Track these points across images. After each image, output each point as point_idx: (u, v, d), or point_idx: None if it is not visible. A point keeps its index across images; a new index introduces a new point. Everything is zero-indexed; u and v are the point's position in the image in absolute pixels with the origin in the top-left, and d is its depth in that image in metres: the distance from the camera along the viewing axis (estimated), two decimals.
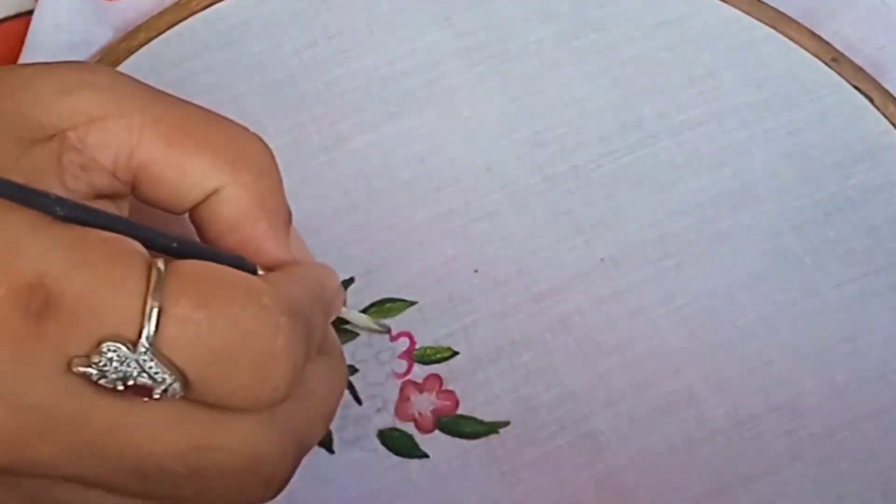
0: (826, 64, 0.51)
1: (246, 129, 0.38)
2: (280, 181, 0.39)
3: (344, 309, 0.45)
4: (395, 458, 0.46)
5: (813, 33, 0.52)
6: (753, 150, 0.50)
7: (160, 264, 0.32)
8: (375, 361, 0.47)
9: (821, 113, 0.51)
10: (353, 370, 0.46)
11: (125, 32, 0.51)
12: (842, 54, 0.51)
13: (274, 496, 0.36)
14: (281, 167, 0.48)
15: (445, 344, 0.47)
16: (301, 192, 0.49)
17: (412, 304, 0.47)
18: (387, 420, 0.46)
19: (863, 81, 0.51)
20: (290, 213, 0.39)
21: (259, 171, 0.38)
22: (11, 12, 0.53)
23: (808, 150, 0.50)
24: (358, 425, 0.46)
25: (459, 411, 0.46)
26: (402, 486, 0.45)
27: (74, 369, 0.31)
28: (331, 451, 0.45)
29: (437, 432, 0.46)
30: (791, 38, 0.51)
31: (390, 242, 0.48)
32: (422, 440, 0.46)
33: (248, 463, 0.34)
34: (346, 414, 0.46)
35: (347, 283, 0.47)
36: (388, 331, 0.47)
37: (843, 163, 0.50)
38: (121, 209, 0.37)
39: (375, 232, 0.48)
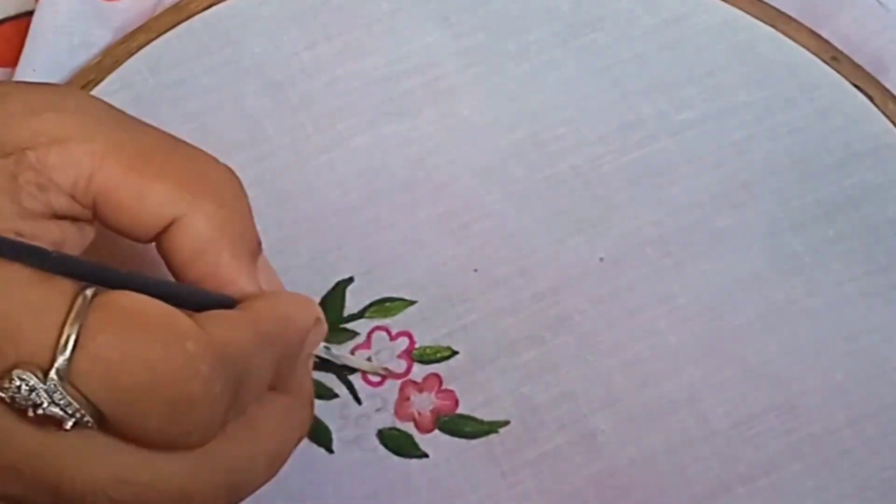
0: (826, 63, 0.51)
1: (212, 158, 0.38)
2: (247, 210, 0.39)
3: (339, 352, 0.45)
4: (395, 458, 0.46)
5: (813, 32, 0.51)
6: (753, 149, 0.50)
7: (89, 292, 0.32)
8: (375, 361, 0.47)
9: (821, 112, 0.51)
10: (351, 370, 0.46)
11: (125, 34, 0.51)
12: (842, 53, 0.51)
13: None
14: (281, 168, 0.49)
15: (445, 343, 0.47)
16: (300, 192, 0.49)
17: (412, 303, 0.47)
18: (386, 420, 0.46)
19: (863, 80, 0.51)
20: (258, 243, 0.39)
21: (222, 200, 0.37)
22: (11, 12, 0.53)
23: (808, 149, 0.50)
24: (357, 425, 0.46)
25: (459, 411, 0.46)
26: (402, 486, 0.45)
27: None
28: (330, 450, 0.46)
29: (436, 432, 0.46)
30: (791, 37, 0.51)
31: (390, 242, 0.48)
32: (421, 440, 0.46)
33: (173, 500, 0.34)
34: (346, 414, 0.46)
35: (347, 282, 0.47)
36: (384, 374, 0.47)
37: (843, 162, 0.50)
38: (84, 233, 0.37)
39: (375, 231, 0.48)
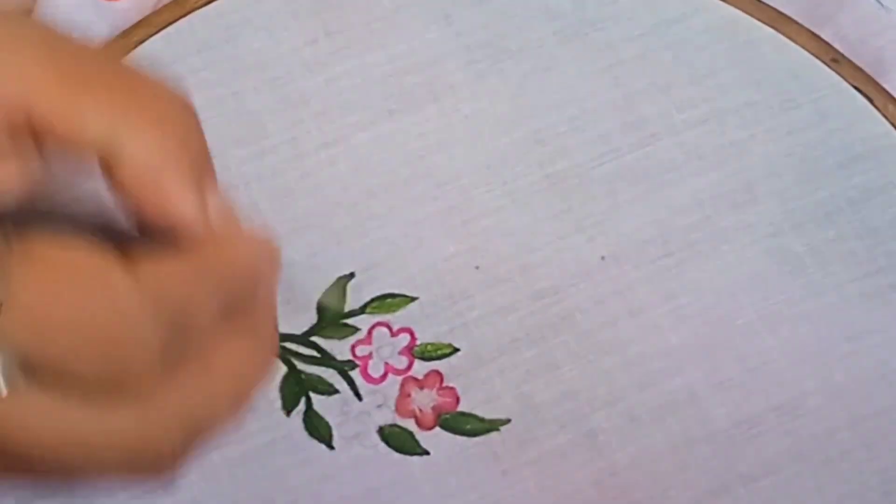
0: (826, 64, 0.51)
1: (160, 81, 0.35)
2: (196, 131, 0.36)
3: None
4: (396, 455, 0.46)
5: (813, 33, 0.52)
6: (754, 149, 0.50)
7: (9, 238, 0.31)
8: (376, 357, 0.46)
9: (821, 113, 0.51)
10: (353, 366, 0.46)
11: (124, 30, 0.51)
12: (842, 55, 0.51)
13: (169, 478, 0.34)
14: (281, 163, 0.49)
15: (446, 340, 0.47)
16: (301, 188, 0.49)
17: (413, 299, 0.47)
18: (387, 417, 0.46)
19: (863, 82, 0.51)
20: (211, 171, 0.36)
21: (162, 121, 0.34)
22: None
23: (809, 151, 0.50)
24: (358, 422, 0.46)
25: (460, 408, 0.46)
26: (403, 484, 0.45)
27: None
28: (331, 447, 0.45)
29: (437, 429, 0.46)
30: (791, 39, 0.51)
31: (391, 238, 0.48)
32: (422, 437, 0.46)
33: (125, 454, 0.33)
34: (347, 410, 0.46)
35: (348, 278, 0.47)
36: None
37: (844, 163, 0.50)
38: (27, 166, 0.34)
39: (376, 228, 0.48)
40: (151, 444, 0.33)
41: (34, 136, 0.33)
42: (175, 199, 0.34)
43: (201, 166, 0.36)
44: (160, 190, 0.34)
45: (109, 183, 0.34)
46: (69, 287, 0.31)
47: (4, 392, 0.31)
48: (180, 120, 0.35)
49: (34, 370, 0.31)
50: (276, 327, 0.40)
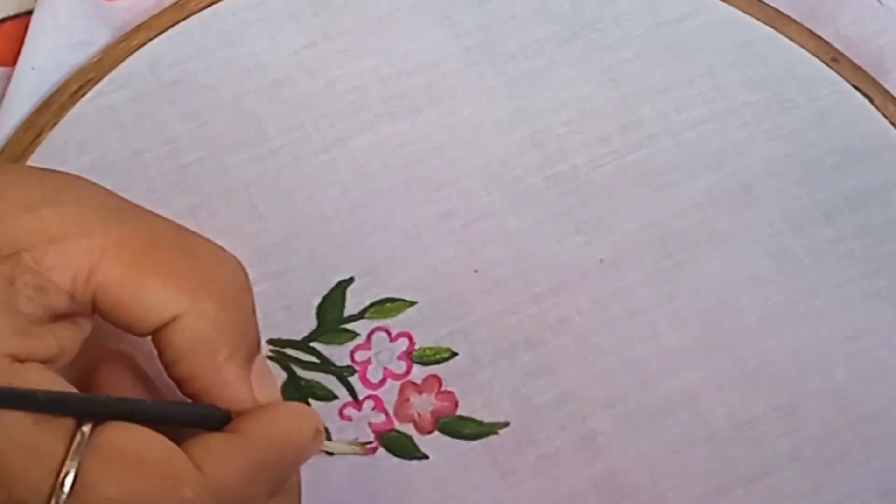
0: (826, 64, 0.51)
1: (218, 250, 0.37)
2: (250, 308, 0.38)
3: (336, 446, 0.45)
4: (395, 460, 0.46)
5: (813, 33, 0.51)
6: (753, 149, 0.50)
7: (86, 429, 0.32)
8: (374, 362, 0.47)
9: (820, 113, 0.51)
10: (352, 371, 0.46)
11: (124, 33, 0.51)
12: (842, 54, 0.51)
13: None
14: (281, 167, 0.49)
15: (445, 344, 0.47)
16: (300, 191, 0.49)
17: (412, 304, 0.47)
18: (386, 421, 0.46)
19: (863, 81, 0.51)
20: (257, 342, 0.38)
21: (224, 300, 0.36)
22: (11, 12, 0.53)
23: (808, 151, 0.50)
24: (357, 427, 0.46)
25: (459, 412, 0.46)
26: (402, 488, 0.45)
27: None
28: (329, 453, 0.45)
29: (436, 433, 0.46)
30: (791, 38, 0.51)
31: (390, 242, 0.48)
32: (421, 441, 0.46)
33: None
34: (345, 415, 0.46)
35: (347, 282, 0.47)
36: (367, 449, 0.46)
37: (843, 163, 0.50)
38: (81, 328, 0.37)
39: (375, 232, 0.48)
40: None
41: (95, 301, 0.35)
42: (224, 371, 0.36)
43: (251, 340, 0.37)
44: (212, 361, 0.36)
45: (162, 355, 0.36)
46: (141, 483, 0.32)
47: None
48: (234, 289, 0.37)
49: None
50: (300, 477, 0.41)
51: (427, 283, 0.48)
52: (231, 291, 0.37)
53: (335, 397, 0.46)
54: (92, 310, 0.36)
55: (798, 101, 0.51)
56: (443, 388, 0.46)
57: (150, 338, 0.37)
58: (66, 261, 0.34)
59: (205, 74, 0.51)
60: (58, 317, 0.35)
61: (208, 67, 0.51)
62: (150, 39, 0.51)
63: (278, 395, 0.39)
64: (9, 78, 0.51)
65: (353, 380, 0.46)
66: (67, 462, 0.31)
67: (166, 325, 0.36)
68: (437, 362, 0.47)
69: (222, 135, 0.50)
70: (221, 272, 0.37)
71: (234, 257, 0.37)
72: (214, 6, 0.51)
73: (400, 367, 0.46)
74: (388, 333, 0.47)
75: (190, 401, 0.37)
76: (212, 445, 0.35)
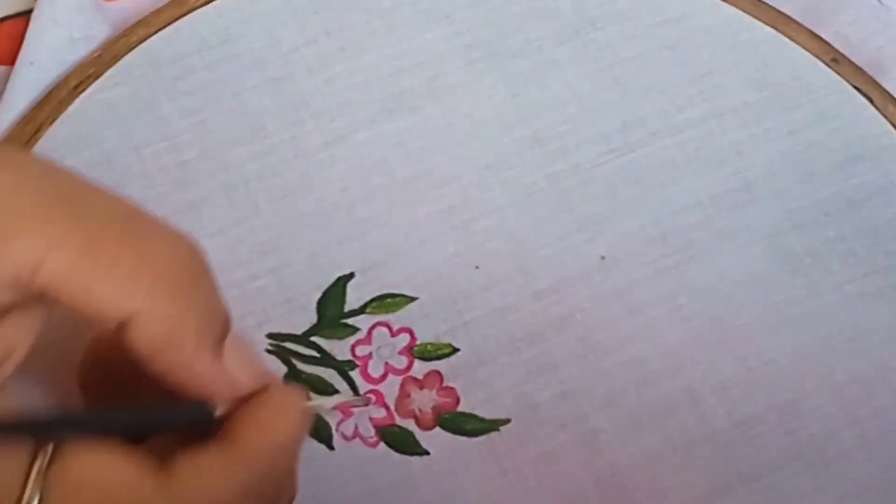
0: (826, 64, 0.51)
1: (169, 236, 0.34)
2: (210, 290, 0.35)
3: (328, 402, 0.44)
4: (396, 455, 0.45)
5: (813, 33, 0.52)
6: (754, 149, 0.50)
7: (48, 452, 0.31)
8: (375, 357, 0.46)
9: (821, 113, 0.51)
10: (352, 366, 0.46)
11: (124, 29, 0.51)
12: (842, 54, 0.51)
13: None
14: (281, 163, 0.49)
15: (446, 340, 0.47)
16: (301, 188, 0.49)
17: (413, 299, 0.47)
18: (387, 417, 0.46)
19: (863, 82, 0.51)
20: (225, 325, 0.36)
21: (177, 291, 0.34)
22: (11, 11, 0.53)
23: (809, 150, 0.50)
24: (358, 422, 0.46)
25: (460, 408, 0.46)
26: (403, 483, 0.45)
27: None
28: (331, 447, 0.45)
29: (437, 429, 0.46)
30: (791, 38, 0.52)
31: (391, 238, 0.48)
32: (422, 437, 0.46)
33: None
34: (346, 410, 0.46)
35: (348, 277, 0.47)
36: (366, 401, 0.46)
37: (844, 163, 0.50)
38: (34, 316, 0.35)
39: (375, 228, 0.48)
40: None
41: (43, 297, 0.33)
42: (194, 362, 0.34)
43: (216, 322, 0.35)
44: (179, 356, 0.34)
45: (126, 345, 0.34)
46: None
47: None
48: (190, 274, 0.34)
49: None
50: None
51: (428, 278, 0.48)
52: (186, 279, 0.34)
53: (336, 392, 0.46)
54: (40, 298, 0.34)
55: (798, 101, 0.51)
56: (444, 384, 0.46)
57: None
58: (6, 257, 0.32)
59: (204, 71, 0.50)
60: (5, 313, 0.33)
61: (208, 64, 0.51)
62: (150, 35, 0.51)
63: (257, 367, 0.37)
64: (9, 76, 0.51)
65: (354, 374, 0.46)
66: (27, 493, 0.30)
67: (126, 324, 0.33)
68: (438, 358, 0.47)
69: (222, 131, 0.49)
70: (174, 260, 0.34)
71: (187, 238, 0.35)
72: (214, 3, 0.51)
73: (401, 362, 0.46)
74: (389, 328, 0.47)
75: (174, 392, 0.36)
76: (199, 464, 0.34)
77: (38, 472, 0.30)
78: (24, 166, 0.34)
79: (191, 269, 0.34)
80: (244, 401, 0.36)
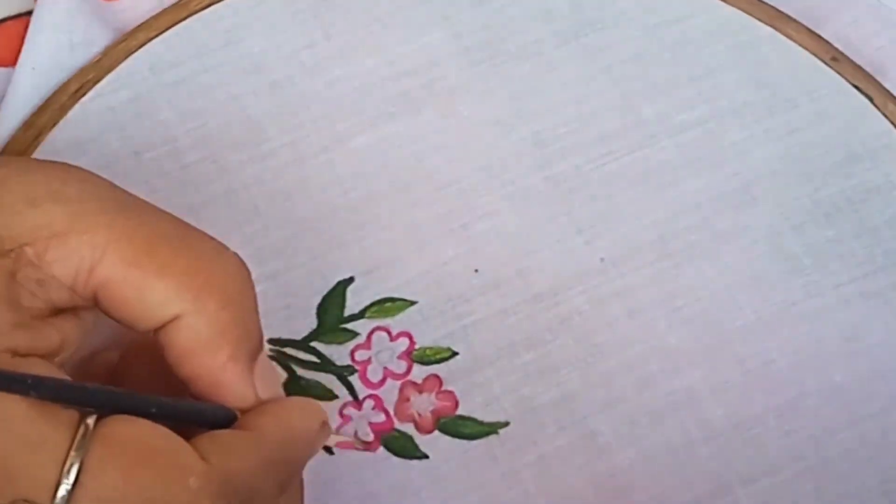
0: (826, 63, 0.51)
1: (220, 248, 0.37)
2: (253, 308, 0.38)
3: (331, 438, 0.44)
4: (395, 459, 0.46)
5: (813, 33, 0.51)
6: (753, 149, 0.50)
7: (90, 421, 0.32)
8: (375, 362, 0.47)
9: (821, 113, 0.51)
10: (352, 371, 0.46)
11: (124, 33, 0.51)
12: (842, 54, 0.51)
13: None
14: (281, 167, 0.49)
15: (445, 344, 0.47)
16: (300, 192, 0.49)
17: (412, 303, 0.47)
18: (386, 421, 0.46)
19: (863, 81, 0.51)
20: (260, 341, 0.38)
21: (226, 300, 0.36)
22: (11, 12, 0.53)
23: (808, 150, 0.50)
24: (357, 427, 0.46)
25: (459, 412, 0.46)
26: (402, 488, 0.45)
27: None
28: (330, 452, 0.45)
29: (436, 433, 0.46)
30: (791, 38, 0.51)
31: (390, 242, 0.48)
32: (421, 441, 0.46)
33: None
34: (345, 415, 0.46)
35: (347, 282, 0.47)
36: (365, 444, 0.46)
37: (843, 163, 0.50)
38: (84, 322, 0.37)
39: (375, 231, 0.48)
40: None
41: (96, 296, 0.35)
42: (227, 372, 0.36)
43: (253, 338, 0.37)
44: (214, 362, 0.36)
45: (165, 353, 0.36)
46: (145, 473, 0.32)
47: None
48: (237, 288, 0.37)
49: None
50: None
51: (427, 282, 0.48)
52: (233, 290, 0.37)
53: (335, 397, 0.46)
54: (93, 303, 0.36)
55: (798, 101, 0.51)
56: (443, 388, 0.46)
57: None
58: (69, 256, 0.34)
59: (205, 75, 0.50)
60: (59, 310, 0.35)
61: (208, 68, 0.51)
62: (150, 40, 0.51)
63: (282, 393, 0.39)
64: (9, 78, 0.51)
65: (353, 379, 0.46)
66: (72, 454, 0.31)
67: (168, 324, 0.36)
68: (437, 362, 0.47)
69: (222, 135, 0.49)
70: (224, 271, 0.37)
71: (237, 255, 0.37)
72: (214, 6, 0.51)
73: (400, 366, 0.46)
74: (389, 333, 0.47)
75: (196, 399, 0.37)
76: (219, 440, 0.35)
77: (84, 435, 0.31)
78: (88, 179, 0.37)
79: (239, 281, 0.37)
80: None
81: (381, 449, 0.46)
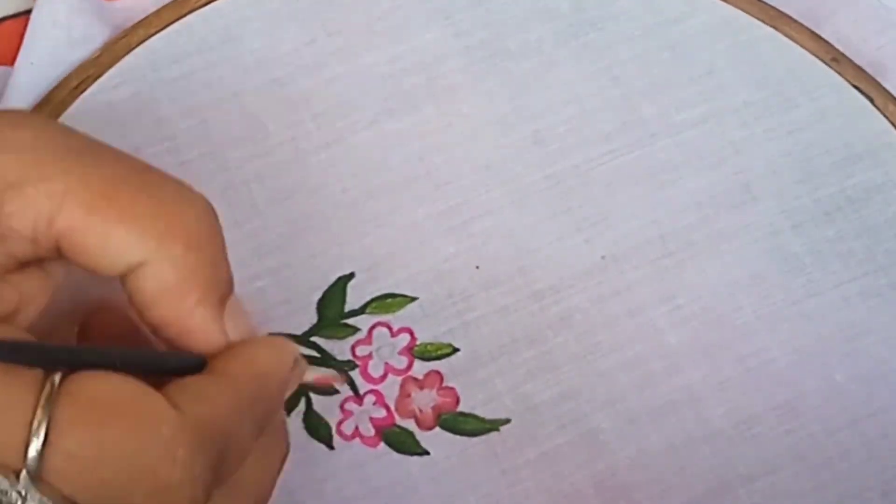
0: (826, 64, 0.51)
1: (184, 191, 0.36)
2: (220, 249, 0.36)
3: (308, 374, 0.42)
4: (395, 455, 0.46)
5: (813, 33, 0.52)
6: (753, 149, 0.50)
7: (56, 378, 0.31)
8: (376, 357, 0.46)
9: (821, 112, 0.51)
10: (352, 366, 0.46)
11: (124, 29, 0.51)
12: (842, 54, 0.51)
13: None
14: (281, 164, 0.49)
15: (446, 340, 0.47)
16: (301, 189, 0.49)
17: (413, 299, 0.47)
18: (387, 417, 0.46)
19: (863, 81, 0.51)
20: (229, 285, 0.37)
21: (191, 243, 0.35)
22: (11, 11, 0.53)
23: (808, 150, 0.50)
24: (358, 422, 0.46)
25: (460, 408, 0.46)
26: (402, 484, 0.45)
27: None
28: (330, 447, 0.45)
29: (437, 429, 0.46)
30: (791, 38, 0.52)
31: (391, 239, 0.48)
32: (422, 437, 0.46)
33: None
34: (346, 411, 0.46)
35: (348, 278, 0.47)
36: (346, 378, 0.46)
37: (843, 162, 0.50)
38: (50, 274, 0.36)
39: (375, 228, 0.48)
40: None
41: (58, 250, 0.34)
42: (196, 316, 0.35)
43: (222, 281, 0.36)
44: (182, 307, 0.35)
45: (132, 300, 0.35)
46: (116, 425, 0.31)
47: None
48: (203, 230, 0.35)
49: None
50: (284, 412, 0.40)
51: (428, 279, 0.48)
52: (198, 233, 0.35)
53: (336, 392, 0.46)
54: (58, 254, 0.35)
55: (798, 101, 0.51)
56: (444, 384, 0.46)
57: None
58: (26, 207, 0.33)
59: (205, 71, 0.50)
60: (23, 265, 0.35)
61: (208, 64, 0.51)
62: (150, 36, 0.51)
63: (253, 333, 0.38)
64: (8, 77, 0.51)
65: (355, 374, 0.46)
66: (38, 413, 0.30)
67: (133, 270, 0.34)
68: (438, 358, 0.47)
69: (222, 131, 0.49)
70: (188, 213, 0.35)
71: (202, 196, 0.36)
72: (214, 3, 0.51)
73: (401, 362, 0.46)
74: (390, 329, 0.47)
75: (164, 348, 0.36)
76: (189, 387, 0.34)
77: (49, 393, 0.31)
78: (41, 126, 0.35)
79: (204, 223, 0.35)
80: None
81: (382, 445, 0.46)
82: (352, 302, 0.47)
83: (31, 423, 0.30)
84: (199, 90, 0.50)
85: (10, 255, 0.34)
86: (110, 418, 0.31)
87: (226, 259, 0.37)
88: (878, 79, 0.51)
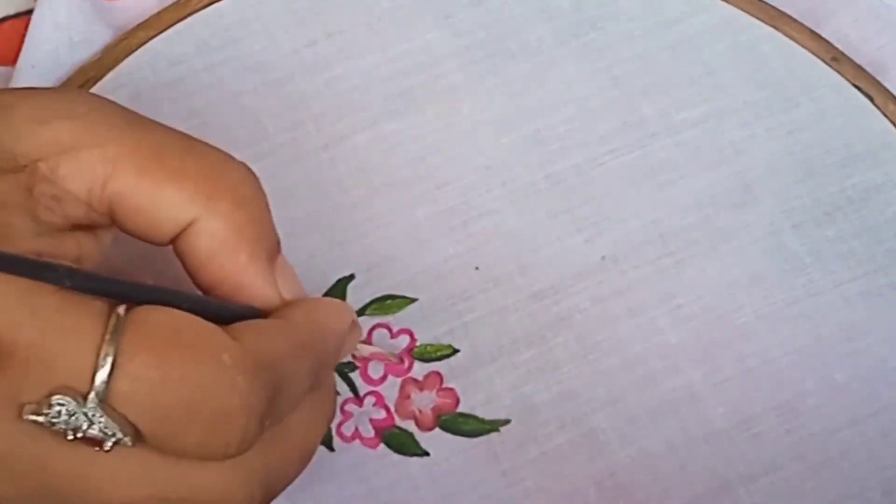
0: (826, 63, 0.51)
1: (228, 156, 0.38)
2: (266, 210, 0.38)
3: (365, 349, 0.45)
4: (395, 456, 0.46)
5: (813, 32, 0.52)
6: (753, 149, 0.50)
7: (121, 310, 0.32)
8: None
9: (821, 112, 0.51)
10: (352, 367, 0.46)
11: (125, 31, 0.51)
12: (842, 53, 0.51)
13: None
14: (281, 165, 0.49)
15: (446, 341, 0.47)
16: (301, 189, 0.49)
17: (413, 301, 0.47)
18: (387, 418, 0.46)
19: (863, 81, 0.51)
20: (277, 244, 0.38)
21: (238, 201, 0.37)
22: (11, 12, 0.53)
23: (809, 150, 0.50)
24: (358, 423, 0.46)
25: (460, 409, 0.46)
26: (402, 485, 0.45)
27: (24, 417, 0.31)
28: (330, 448, 0.45)
29: (437, 430, 0.46)
30: (791, 38, 0.51)
31: (391, 240, 0.48)
32: (422, 438, 0.46)
33: None
34: (346, 412, 0.46)
35: (348, 279, 0.47)
36: (399, 361, 0.46)
37: (844, 162, 0.50)
38: (101, 240, 0.37)
39: (375, 229, 0.48)
40: (233, 502, 0.35)
41: (112, 211, 0.36)
42: (248, 272, 0.37)
43: (270, 238, 0.38)
44: (234, 263, 0.36)
45: (185, 264, 0.37)
46: (179, 353, 0.32)
47: (109, 446, 0.32)
48: (248, 191, 0.37)
49: (140, 435, 0.32)
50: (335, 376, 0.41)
51: (428, 280, 0.48)
52: (245, 193, 0.37)
53: (336, 393, 0.46)
54: (110, 220, 0.36)
55: (798, 101, 0.51)
56: (444, 385, 0.46)
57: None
58: (81, 170, 0.35)
59: (205, 73, 0.51)
60: (76, 227, 0.36)
61: (208, 66, 0.51)
62: (151, 38, 0.51)
63: (304, 293, 0.39)
64: (9, 77, 0.51)
65: (354, 376, 0.46)
66: (106, 339, 0.31)
67: (184, 231, 0.36)
68: (437, 359, 0.47)
69: (223, 133, 0.49)
70: (233, 174, 0.37)
71: (245, 163, 0.38)
72: (215, 5, 0.51)
73: (401, 363, 0.46)
74: (389, 330, 0.47)
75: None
76: (251, 326, 0.35)
77: (116, 325, 0.32)
78: (93, 98, 0.37)
79: (249, 184, 0.37)
80: None
81: (382, 446, 0.46)
82: (352, 303, 0.47)
83: (98, 349, 0.31)
84: (199, 92, 0.50)
85: (65, 216, 0.35)
86: (174, 346, 0.32)
87: (271, 220, 0.38)
88: (879, 78, 0.51)
